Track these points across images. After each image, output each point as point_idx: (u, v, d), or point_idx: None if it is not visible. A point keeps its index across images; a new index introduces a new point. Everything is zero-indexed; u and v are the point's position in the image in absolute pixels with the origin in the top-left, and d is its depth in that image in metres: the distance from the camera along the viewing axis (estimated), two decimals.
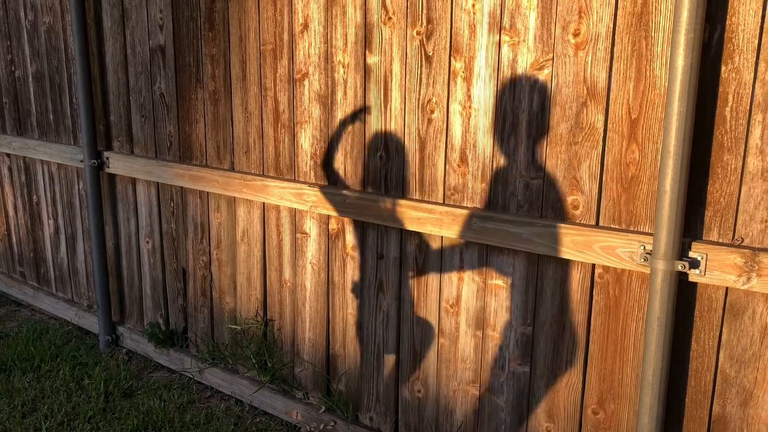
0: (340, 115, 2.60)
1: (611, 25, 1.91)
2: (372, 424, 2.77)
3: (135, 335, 3.74)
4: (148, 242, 3.56)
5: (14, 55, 4.13)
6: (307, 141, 2.72)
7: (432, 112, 2.33)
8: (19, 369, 3.54)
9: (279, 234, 2.93)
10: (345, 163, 2.62)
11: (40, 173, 4.17)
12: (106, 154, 3.60)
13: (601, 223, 2.03)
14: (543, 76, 2.06)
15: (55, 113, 3.93)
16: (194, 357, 3.43)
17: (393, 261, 2.56)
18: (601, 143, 1.98)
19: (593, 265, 2.07)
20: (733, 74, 1.74)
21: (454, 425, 2.50)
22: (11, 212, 4.53)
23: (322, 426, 2.86)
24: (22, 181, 4.35)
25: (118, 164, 3.55)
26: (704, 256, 1.82)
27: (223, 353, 3.30)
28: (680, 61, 1.73)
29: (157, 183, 3.41)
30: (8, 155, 4.40)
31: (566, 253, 2.07)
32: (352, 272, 2.70)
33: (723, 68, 1.76)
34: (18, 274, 4.65)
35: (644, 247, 1.90)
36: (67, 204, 4.02)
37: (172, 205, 3.38)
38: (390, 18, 2.37)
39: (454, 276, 2.40)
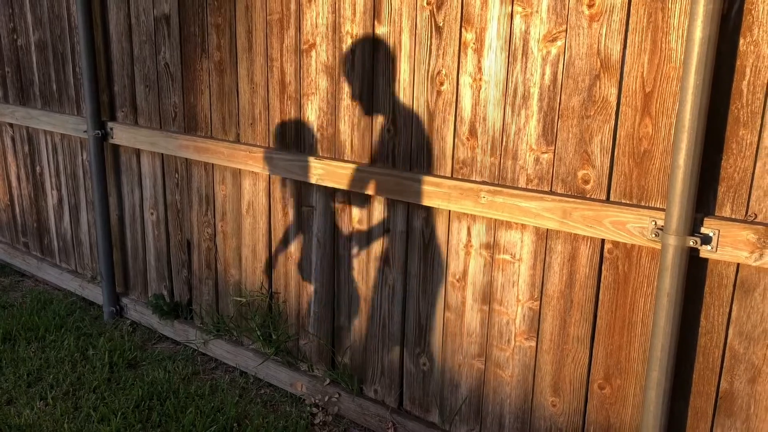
0: (347, 87, 2.56)
1: None
2: (377, 396, 2.78)
3: (139, 306, 3.75)
4: (152, 213, 3.55)
5: (16, 23, 4.08)
6: (314, 113, 2.69)
7: (441, 84, 2.30)
8: (24, 339, 3.55)
9: (284, 206, 2.92)
10: (352, 135, 2.59)
11: (44, 143, 4.14)
12: (110, 124, 3.57)
13: (611, 198, 2.01)
14: (556, 48, 2.03)
15: (58, 83, 3.89)
16: (199, 329, 3.43)
17: (399, 235, 2.54)
18: (613, 117, 1.96)
19: (603, 240, 2.05)
20: (752, 47, 1.71)
21: (459, 398, 2.51)
22: (14, 182, 4.51)
23: (326, 398, 2.88)
24: (25, 151, 4.32)
25: (122, 135, 3.52)
26: (716, 232, 1.80)
27: (227, 325, 3.30)
28: (698, 33, 1.69)
29: (162, 154, 3.39)
30: (11, 125, 4.37)
31: (576, 227, 2.05)
32: (358, 246, 2.69)
33: (741, 41, 1.72)
34: (21, 245, 4.65)
35: (655, 223, 1.89)
36: (71, 175, 4.00)
37: (176, 176, 3.36)
38: None
39: (461, 250, 2.38)
